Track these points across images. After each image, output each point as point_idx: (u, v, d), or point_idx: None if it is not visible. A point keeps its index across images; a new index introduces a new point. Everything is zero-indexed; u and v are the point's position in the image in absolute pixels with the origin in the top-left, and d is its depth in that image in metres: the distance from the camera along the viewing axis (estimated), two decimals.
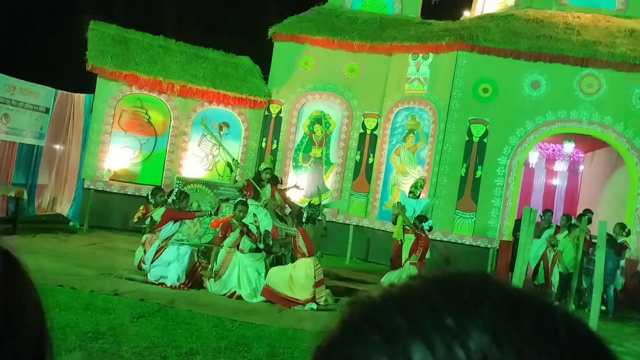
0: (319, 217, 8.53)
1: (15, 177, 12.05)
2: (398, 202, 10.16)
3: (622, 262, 10.27)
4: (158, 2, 21.17)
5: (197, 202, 11.00)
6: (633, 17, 12.52)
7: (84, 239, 10.86)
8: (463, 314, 0.49)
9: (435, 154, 12.10)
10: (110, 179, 12.50)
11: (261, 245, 8.45)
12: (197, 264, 8.27)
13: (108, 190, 12.41)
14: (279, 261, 8.99)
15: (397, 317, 0.50)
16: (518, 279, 7.50)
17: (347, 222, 12.90)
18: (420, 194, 10.72)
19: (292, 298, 7.66)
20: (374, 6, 14.05)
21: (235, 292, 7.84)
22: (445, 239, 11.72)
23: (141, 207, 9.24)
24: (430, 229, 9.19)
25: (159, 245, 8.11)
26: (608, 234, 8.18)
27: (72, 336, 5.21)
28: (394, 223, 10.08)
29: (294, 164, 13.66)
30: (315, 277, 7.78)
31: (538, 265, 11.04)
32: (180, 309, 6.75)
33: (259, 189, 9.48)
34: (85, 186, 12.35)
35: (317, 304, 7.72)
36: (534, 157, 14.92)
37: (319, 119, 13.70)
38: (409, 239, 9.24)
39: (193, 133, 13.27)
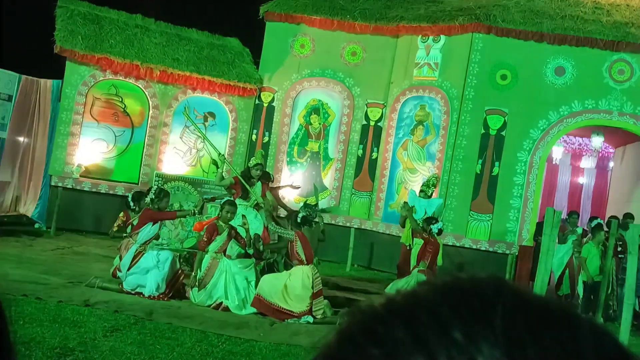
0: (316, 219, 8.53)
1: None
2: (405, 202, 10.16)
3: None
4: None
5: (180, 202, 11.00)
6: None
7: (51, 242, 10.84)
8: (473, 326, 0.49)
9: (447, 148, 12.11)
10: (80, 176, 12.47)
11: (250, 251, 8.44)
12: (179, 271, 8.27)
13: (78, 188, 12.39)
14: (270, 268, 8.99)
15: (399, 330, 0.50)
16: (539, 288, 7.52)
17: (347, 224, 12.90)
18: (432, 193, 10.72)
19: (286, 310, 7.66)
20: None
21: (221, 302, 7.83)
22: (458, 244, 11.73)
23: (121, 214, 9.22)
24: (440, 232, 9.19)
25: (136, 250, 8.10)
26: None
27: (38, 352, 5.20)
28: (402, 226, 10.08)
29: (288, 159, 13.66)
30: (313, 288, 7.78)
31: (563, 273, 11.06)
32: (160, 321, 6.74)
33: (248, 187, 9.47)
34: (53, 183, 12.32)
35: (314, 316, 7.72)
36: (557, 152, 14.93)
37: (317, 109, 13.69)
38: (418, 243, 9.24)
39: (174, 124, 13.25)
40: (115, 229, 9.05)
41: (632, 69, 11.70)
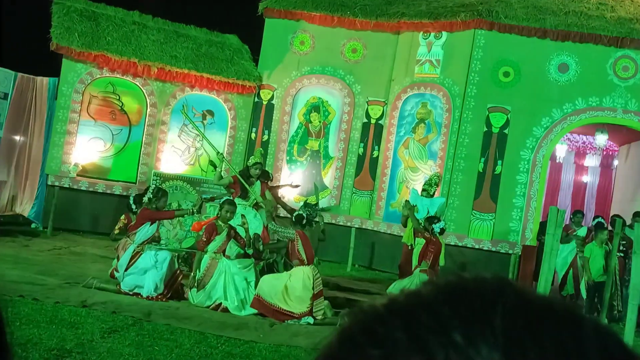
0: (316, 219, 8.53)
1: None
2: (407, 201, 10.16)
3: None
4: None
5: (178, 201, 11.00)
6: None
7: (47, 243, 10.84)
8: (472, 326, 0.49)
9: (449, 146, 12.11)
10: (77, 175, 12.47)
11: (249, 251, 8.44)
12: (178, 271, 8.27)
13: (75, 187, 12.39)
14: (270, 268, 8.99)
15: (399, 330, 0.50)
16: (543, 289, 7.51)
17: (348, 224, 12.90)
18: (434, 192, 10.71)
19: (286, 311, 7.66)
20: None
21: (220, 303, 7.83)
22: (460, 244, 11.73)
23: (122, 217, 9.22)
24: (442, 231, 9.19)
25: (134, 250, 8.10)
26: None
27: (35, 353, 5.20)
28: (404, 225, 10.08)
29: (287, 157, 13.66)
30: (313, 288, 7.78)
31: (566, 273, 11.07)
32: (158, 322, 6.74)
33: (247, 186, 9.47)
34: (49, 183, 12.32)
35: (315, 317, 7.72)
36: (561, 150, 14.93)
37: (317, 107, 13.69)
38: (420, 243, 9.25)
39: (172, 122, 13.25)
40: (116, 231, 9.05)
41: (636, 66, 11.70)
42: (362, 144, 13.35)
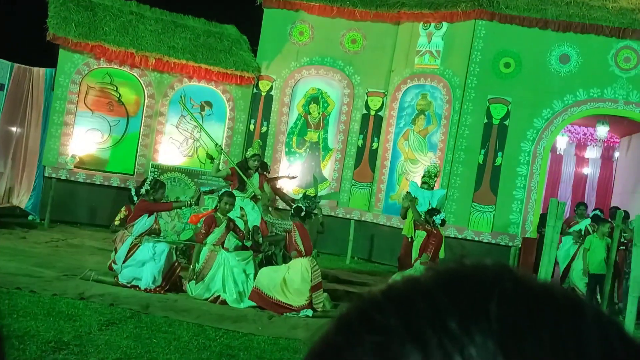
0: (315, 211, 8.53)
1: None
2: (408, 193, 10.15)
3: None
4: None
5: (177, 195, 10.99)
6: None
7: (44, 235, 10.85)
8: (468, 313, 0.48)
9: (449, 138, 12.11)
10: (74, 166, 12.47)
11: (248, 243, 8.46)
12: (176, 263, 8.28)
13: (72, 179, 12.39)
14: (268, 261, 9.01)
15: (394, 317, 0.50)
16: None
17: (347, 216, 12.92)
18: (434, 184, 10.70)
19: (285, 303, 7.68)
20: None
21: (219, 296, 7.85)
22: (460, 236, 11.75)
23: (122, 209, 9.21)
24: (444, 222, 9.18)
25: (132, 242, 8.11)
26: None
27: (32, 346, 5.22)
28: (404, 217, 10.08)
29: (286, 149, 13.66)
30: (312, 280, 7.80)
31: (568, 266, 11.08)
32: (156, 315, 6.76)
33: (245, 178, 9.47)
34: (46, 174, 12.32)
35: (314, 309, 7.74)
36: (562, 142, 14.93)
37: (316, 98, 13.67)
38: (420, 235, 9.25)
39: (170, 113, 13.23)
40: (117, 222, 9.04)
41: (638, 57, 11.68)
42: (361, 136, 13.35)
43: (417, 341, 0.48)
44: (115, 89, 12.93)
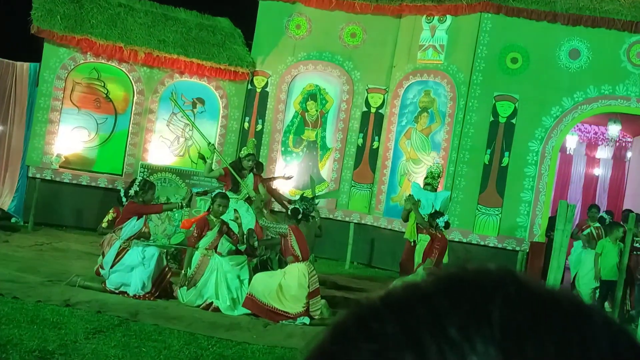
0: (313, 214, 8.54)
1: None
2: (410, 195, 10.16)
3: None
4: None
5: (167, 196, 10.99)
6: None
7: (28, 238, 10.83)
8: (469, 320, 0.48)
9: (453, 137, 12.12)
10: (60, 166, 12.46)
11: (242, 247, 8.46)
12: (166, 269, 8.28)
13: (58, 179, 12.38)
14: (264, 266, 9.01)
15: (392, 324, 0.50)
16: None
17: (346, 219, 12.92)
18: (437, 185, 10.70)
19: (281, 311, 7.68)
20: None
21: (211, 303, 7.85)
22: (464, 240, 11.76)
23: (111, 210, 9.21)
24: (448, 225, 9.19)
25: (120, 246, 8.10)
26: None
27: (15, 355, 5.21)
28: (405, 220, 10.09)
29: (282, 148, 13.66)
30: (309, 286, 7.80)
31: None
32: (146, 322, 6.76)
33: (239, 179, 9.47)
34: (30, 175, 12.31)
35: (311, 317, 7.74)
36: (571, 141, 14.95)
37: (313, 95, 13.68)
38: (423, 239, 9.25)
39: (160, 111, 13.23)
40: (104, 225, 9.04)
41: None
42: (361, 135, 13.35)
43: (416, 348, 0.48)
44: (102, 84, 12.92)
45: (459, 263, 0.55)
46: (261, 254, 9.13)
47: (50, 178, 12.33)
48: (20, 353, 5.29)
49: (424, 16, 12.64)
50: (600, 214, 10.85)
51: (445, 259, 9.22)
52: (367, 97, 13.34)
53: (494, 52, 11.94)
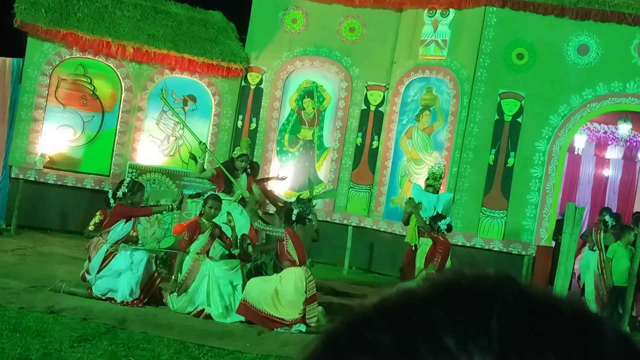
0: (309, 216, 8.54)
1: None
2: (410, 198, 10.17)
3: None
4: None
5: (157, 198, 10.98)
6: None
7: (11, 242, 10.82)
8: (466, 329, 0.48)
9: (456, 136, 12.12)
10: (44, 167, 12.44)
11: (235, 251, 8.45)
12: (155, 274, 8.27)
13: (42, 180, 12.36)
14: (258, 271, 9.00)
15: (386, 334, 0.50)
16: (559, 293, 7.55)
17: (344, 222, 12.92)
18: (439, 186, 10.70)
19: (276, 317, 7.68)
20: None
21: (203, 309, 7.85)
22: (468, 244, 11.76)
23: (98, 212, 9.20)
24: (450, 228, 9.20)
25: (107, 250, 8.09)
26: None
27: None
28: (406, 223, 10.10)
29: (277, 148, 13.66)
30: (306, 292, 7.80)
31: None
32: (134, 330, 6.75)
33: (232, 179, 9.47)
34: (13, 175, 12.29)
35: (307, 324, 7.74)
36: (580, 141, 14.97)
37: (310, 92, 13.68)
38: (425, 243, 9.26)
39: (150, 109, 13.22)
40: (91, 227, 9.02)
41: None
42: (360, 134, 13.36)
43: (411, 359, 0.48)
44: (89, 81, 12.91)
45: (455, 268, 0.55)
46: (255, 259, 9.13)
47: (34, 179, 12.31)
48: None
49: (426, 10, 12.65)
50: (603, 217, 10.83)
51: (447, 264, 9.22)
52: (366, 95, 13.34)
53: (499, 47, 11.95)
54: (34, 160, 12.41)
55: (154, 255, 9.00)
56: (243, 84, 13.74)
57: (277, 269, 8.60)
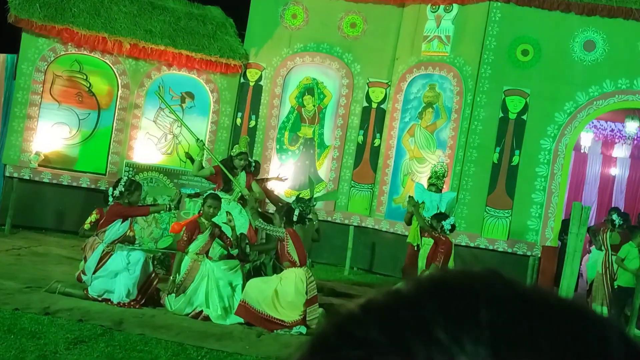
0: (310, 216, 8.54)
1: None
2: (411, 197, 10.18)
3: None
4: None
5: (154, 197, 11.00)
6: None
7: (5, 242, 10.83)
8: (456, 321, 0.50)
9: (459, 134, 12.13)
10: (39, 165, 12.45)
11: (234, 252, 8.46)
12: (153, 274, 8.28)
13: (37, 179, 12.37)
14: (257, 272, 9.01)
15: (376, 330, 0.51)
16: (565, 294, 7.56)
17: (346, 221, 12.92)
18: (442, 185, 10.70)
19: (276, 319, 7.68)
20: None
21: (201, 311, 7.85)
22: (472, 244, 11.77)
23: (94, 211, 9.20)
24: (453, 228, 9.21)
25: (103, 250, 8.10)
26: None
27: None
28: (408, 223, 10.11)
29: (277, 146, 13.66)
30: (307, 293, 7.81)
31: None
32: (131, 332, 6.76)
33: (231, 177, 9.47)
34: (7, 174, 12.30)
35: (308, 326, 7.75)
36: (586, 139, 14.97)
37: (310, 89, 13.68)
38: (427, 243, 9.27)
39: (147, 106, 13.23)
40: (87, 226, 9.02)
41: None
42: (361, 131, 13.36)
43: (403, 353, 0.49)
44: (85, 77, 12.92)
45: (441, 268, 0.57)
46: (254, 260, 9.13)
47: (28, 177, 12.32)
48: None
49: (429, 5, 12.65)
50: (610, 216, 10.82)
51: (450, 264, 9.22)
52: (367, 92, 13.34)
53: (504, 43, 11.95)
54: (29, 159, 12.42)
55: (152, 255, 9.00)
56: (242, 80, 13.74)
57: (277, 269, 8.61)
